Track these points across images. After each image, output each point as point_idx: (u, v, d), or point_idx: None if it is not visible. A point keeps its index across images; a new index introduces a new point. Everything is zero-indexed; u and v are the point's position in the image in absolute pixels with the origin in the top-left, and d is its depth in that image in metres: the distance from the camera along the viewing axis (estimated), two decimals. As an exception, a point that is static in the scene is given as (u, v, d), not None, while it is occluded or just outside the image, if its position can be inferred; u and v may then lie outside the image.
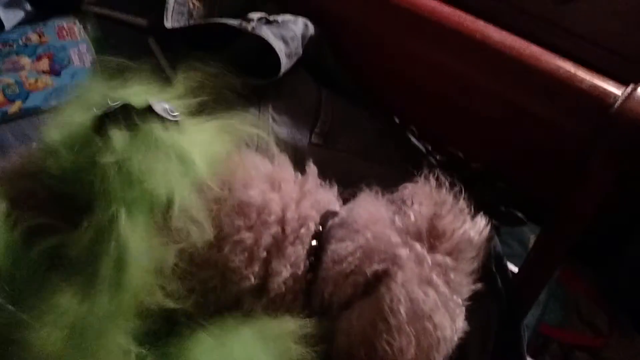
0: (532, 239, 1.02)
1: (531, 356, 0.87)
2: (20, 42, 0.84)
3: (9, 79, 0.81)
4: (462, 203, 0.56)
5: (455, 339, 0.53)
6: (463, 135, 0.78)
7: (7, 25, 0.85)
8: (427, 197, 0.56)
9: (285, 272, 0.54)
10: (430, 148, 0.81)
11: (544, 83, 0.66)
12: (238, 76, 0.62)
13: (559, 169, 0.71)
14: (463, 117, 0.75)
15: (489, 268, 0.71)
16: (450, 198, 0.56)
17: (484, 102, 0.71)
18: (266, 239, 0.55)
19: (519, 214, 0.80)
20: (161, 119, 0.54)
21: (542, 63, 0.67)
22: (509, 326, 0.73)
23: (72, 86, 0.81)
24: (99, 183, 0.51)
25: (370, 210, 0.56)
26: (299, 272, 0.55)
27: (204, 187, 0.54)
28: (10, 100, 0.79)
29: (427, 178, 0.58)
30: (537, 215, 0.83)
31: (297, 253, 0.55)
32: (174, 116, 0.56)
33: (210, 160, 0.56)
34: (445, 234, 0.53)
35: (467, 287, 0.54)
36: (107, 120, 0.54)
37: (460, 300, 0.53)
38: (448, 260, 0.52)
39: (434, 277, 0.51)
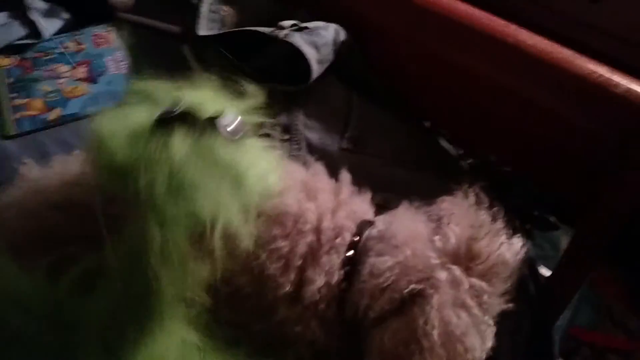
0: (564, 240, 1.00)
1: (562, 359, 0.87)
2: (59, 51, 0.87)
3: (48, 87, 0.83)
4: (499, 224, 0.56)
5: (484, 357, 0.54)
6: (495, 139, 0.77)
7: (46, 34, 0.88)
8: (465, 217, 0.56)
9: (320, 281, 0.55)
10: (461, 152, 0.81)
11: (578, 88, 0.65)
12: (269, 83, 0.63)
13: (592, 173, 0.70)
14: (495, 122, 0.74)
15: (521, 273, 0.71)
16: (488, 219, 0.56)
17: (516, 107, 0.71)
18: (301, 248, 0.56)
19: (552, 219, 0.79)
20: (222, 134, 0.53)
21: (575, 67, 0.66)
22: (540, 331, 0.73)
23: (109, 93, 0.83)
24: (145, 188, 0.49)
25: (410, 227, 0.57)
26: (333, 282, 0.56)
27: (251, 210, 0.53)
28: (50, 108, 0.81)
29: (465, 194, 0.58)
30: (570, 218, 0.82)
31: (332, 262, 0.56)
32: (238, 133, 0.54)
33: (265, 187, 0.55)
34: (481, 256, 0.54)
35: (499, 307, 0.54)
36: (170, 124, 0.52)
37: (491, 321, 0.54)
38: (483, 284, 0.53)
39: (468, 300, 0.52)
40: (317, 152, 0.74)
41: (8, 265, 0.52)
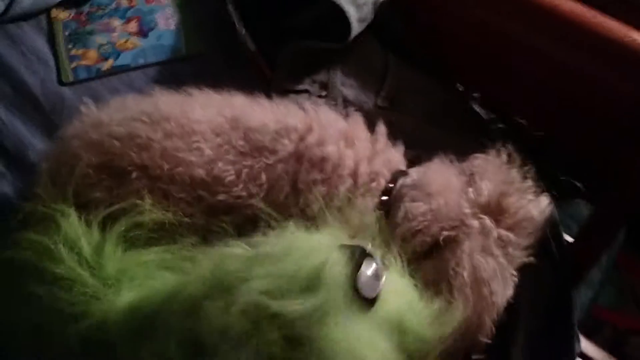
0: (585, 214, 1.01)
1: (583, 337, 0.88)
2: (112, 6, 0.91)
3: (102, 39, 0.88)
4: (528, 182, 0.60)
5: (503, 306, 0.57)
6: (526, 104, 0.79)
7: (100, -11, 0.92)
8: (496, 173, 0.60)
9: (355, 219, 0.58)
10: (493, 116, 0.83)
11: (613, 52, 0.67)
12: (310, 40, 0.66)
13: (623, 141, 0.71)
14: (527, 85, 0.76)
15: (545, 232, 0.73)
16: (518, 177, 0.60)
17: (549, 70, 0.72)
18: (339, 191, 0.59)
19: (578, 184, 0.80)
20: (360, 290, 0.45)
21: (613, 33, 0.67)
22: (560, 294, 0.75)
23: (158, 47, 0.87)
24: None
25: (443, 178, 0.61)
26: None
27: None
28: (104, 58, 0.86)
29: (498, 152, 0.62)
30: (594, 192, 0.83)
31: (366, 204, 0.59)
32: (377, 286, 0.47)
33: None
34: (509, 211, 0.58)
35: (522, 259, 0.58)
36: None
37: (514, 272, 0.58)
38: (510, 235, 0.57)
39: (495, 248, 0.56)
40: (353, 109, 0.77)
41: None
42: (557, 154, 0.80)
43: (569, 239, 0.82)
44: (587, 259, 0.80)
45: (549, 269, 0.73)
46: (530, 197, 0.60)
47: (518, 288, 0.59)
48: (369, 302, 0.46)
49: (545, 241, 0.74)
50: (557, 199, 0.85)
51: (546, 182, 0.72)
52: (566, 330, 0.72)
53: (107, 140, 0.60)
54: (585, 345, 0.89)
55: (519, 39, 0.73)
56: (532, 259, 0.59)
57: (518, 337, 0.70)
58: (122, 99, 0.69)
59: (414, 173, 0.62)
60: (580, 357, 0.84)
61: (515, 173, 0.61)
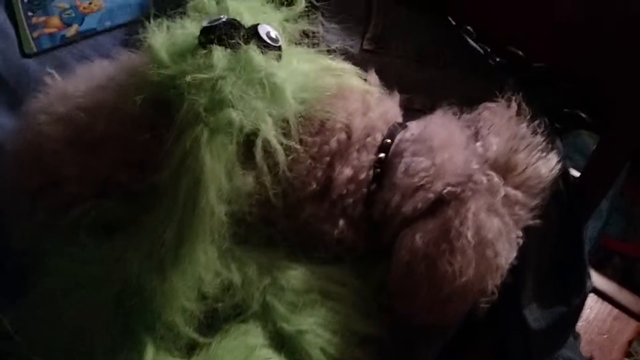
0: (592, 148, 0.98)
1: (593, 269, 0.87)
2: (71, -33, 0.85)
3: (64, 4, 0.82)
4: (538, 137, 0.56)
5: (508, 266, 0.55)
6: (525, 35, 0.74)
7: (57, -50, 0.86)
8: (506, 128, 0.56)
9: (348, 172, 0.55)
10: (489, 50, 0.78)
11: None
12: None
13: (629, 69, 0.67)
14: (523, 12, 0.71)
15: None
16: (528, 132, 0.56)
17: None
18: (331, 145, 0.56)
19: (583, 115, 0.77)
20: (264, 43, 0.54)
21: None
22: (570, 232, 0.72)
23: (124, 6, 0.82)
24: (190, 97, 0.51)
25: (446, 131, 0.57)
26: (361, 178, 0.56)
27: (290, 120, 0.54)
28: (67, 24, 0.80)
29: (507, 104, 0.58)
30: (599, 123, 0.79)
31: (361, 159, 0.56)
32: (276, 44, 0.55)
33: (302, 96, 0.55)
34: (517, 168, 0.54)
35: (528, 221, 0.55)
36: (213, 34, 0.53)
37: (520, 233, 0.55)
38: (518, 194, 0.54)
39: (501, 208, 0.53)
40: (339, 55, 0.72)
41: None
42: (559, 84, 0.76)
43: (576, 173, 0.79)
44: (595, 191, 0.77)
45: (556, 207, 0.70)
46: (540, 154, 0.56)
47: (524, 246, 0.56)
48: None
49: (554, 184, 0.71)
50: (562, 132, 0.82)
51: (549, 114, 0.68)
52: (577, 269, 0.70)
53: (74, 112, 0.57)
54: (596, 278, 0.88)
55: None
56: (538, 221, 0.56)
57: (527, 278, 0.68)
58: (87, 66, 0.65)
59: (414, 126, 0.59)
60: (592, 291, 0.83)
61: (524, 127, 0.57)
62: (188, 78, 0.51)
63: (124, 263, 0.50)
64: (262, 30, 0.55)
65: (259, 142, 0.52)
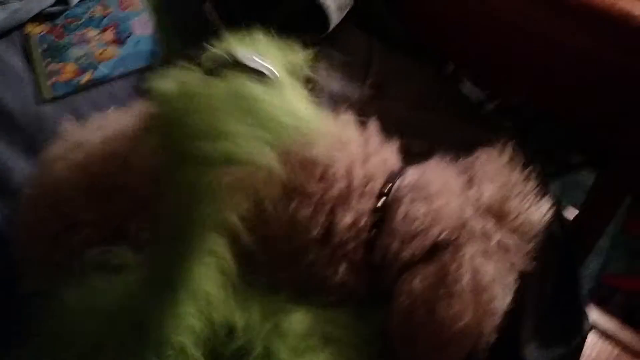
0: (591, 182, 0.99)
1: (595, 306, 0.87)
2: (86, 16, 0.89)
3: (79, 51, 0.86)
4: (530, 184, 0.58)
5: (504, 309, 0.56)
6: (518, 78, 0.76)
7: (73, 1, 0.90)
8: (498, 175, 0.58)
9: (349, 218, 0.57)
10: (484, 96, 0.81)
11: (598, 18, 0.64)
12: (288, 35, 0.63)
13: (623, 109, 0.69)
14: (518, 60, 0.74)
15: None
16: (520, 179, 0.58)
17: (540, 44, 0.69)
18: (333, 192, 0.57)
19: (575, 160, 0.79)
20: (257, 73, 0.53)
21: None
22: (568, 274, 0.74)
23: (137, 54, 0.85)
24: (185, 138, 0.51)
25: (442, 179, 0.59)
26: (362, 224, 0.58)
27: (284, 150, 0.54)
28: (82, 71, 0.84)
29: (500, 151, 0.60)
30: (595, 158, 0.81)
31: (362, 206, 0.58)
32: (269, 71, 0.54)
33: (299, 133, 0.55)
34: (510, 214, 0.56)
35: (523, 265, 0.57)
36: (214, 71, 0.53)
37: (515, 277, 0.56)
38: (511, 240, 0.55)
39: (496, 252, 0.55)
40: (340, 101, 0.75)
41: None
42: (556, 127, 0.78)
43: (575, 210, 0.80)
44: (594, 227, 0.79)
45: (552, 248, 0.72)
46: (532, 200, 0.58)
47: (521, 290, 0.57)
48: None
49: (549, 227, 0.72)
50: (560, 172, 0.84)
51: (546, 155, 0.70)
52: (575, 310, 0.70)
53: (89, 161, 0.59)
54: (598, 316, 0.89)
55: (508, 16, 0.70)
56: (533, 264, 0.57)
57: (526, 319, 0.69)
58: (102, 115, 0.68)
59: (412, 173, 0.61)
60: (593, 329, 0.83)
61: (517, 175, 0.59)
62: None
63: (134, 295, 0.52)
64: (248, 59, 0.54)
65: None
